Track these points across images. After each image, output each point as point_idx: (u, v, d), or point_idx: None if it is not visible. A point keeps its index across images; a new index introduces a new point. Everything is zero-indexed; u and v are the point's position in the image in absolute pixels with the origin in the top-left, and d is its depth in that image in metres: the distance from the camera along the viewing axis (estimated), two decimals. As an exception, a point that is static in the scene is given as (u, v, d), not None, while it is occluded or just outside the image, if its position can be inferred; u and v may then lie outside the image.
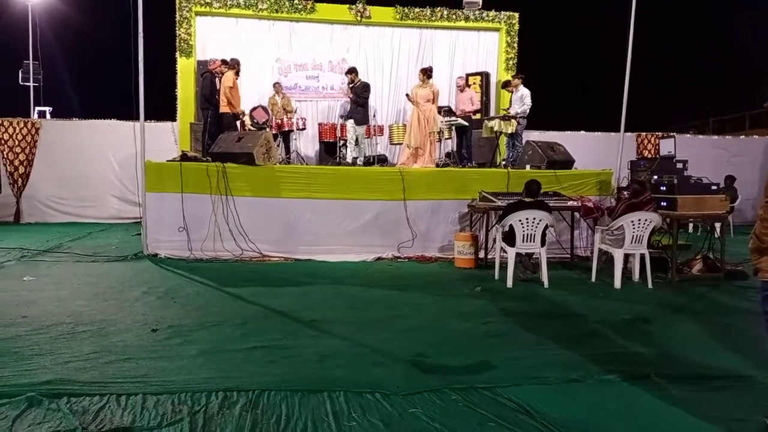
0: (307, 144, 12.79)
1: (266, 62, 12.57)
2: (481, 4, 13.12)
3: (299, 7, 12.27)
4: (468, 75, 12.68)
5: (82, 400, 3.26)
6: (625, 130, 10.53)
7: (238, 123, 10.51)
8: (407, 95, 10.14)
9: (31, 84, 18.61)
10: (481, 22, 13.13)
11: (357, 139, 11.00)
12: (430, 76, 9.98)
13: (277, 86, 11.89)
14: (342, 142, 11.75)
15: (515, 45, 13.22)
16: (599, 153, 11.94)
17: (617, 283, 6.78)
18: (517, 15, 13.23)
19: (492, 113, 12.46)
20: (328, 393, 3.40)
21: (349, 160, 10.99)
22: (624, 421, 3.19)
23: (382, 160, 11.80)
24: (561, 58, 25.08)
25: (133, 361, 3.94)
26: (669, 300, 6.27)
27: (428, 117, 9.81)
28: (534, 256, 7.11)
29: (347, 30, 12.90)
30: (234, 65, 10.15)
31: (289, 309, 5.45)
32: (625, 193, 7.65)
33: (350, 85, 10.90)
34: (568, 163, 9.47)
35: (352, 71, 10.96)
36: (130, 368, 3.79)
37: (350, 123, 10.98)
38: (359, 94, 10.80)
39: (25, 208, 12.63)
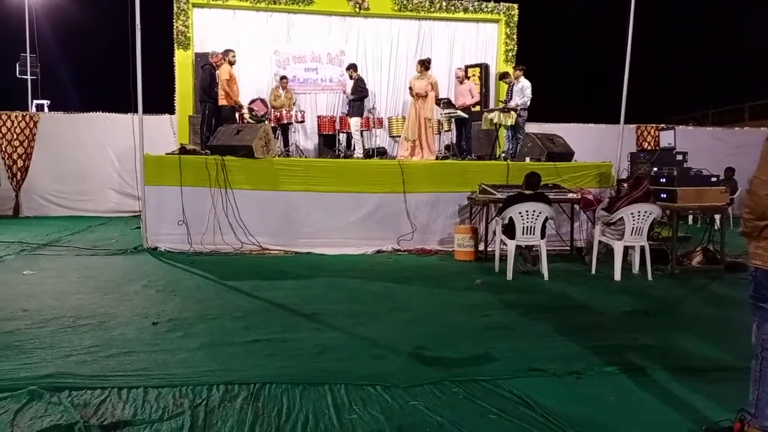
0: (306, 137, 12.75)
1: (264, 54, 12.50)
2: (480, -5, 13.07)
3: (297, -2, 12.21)
4: (467, 67, 12.63)
5: (84, 393, 3.26)
6: (625, 122, 10.50)
7: (237, 115, 10.48)
8: (410, 89, 10.12)
9: (28, 77, 18.54)
10: (480, 14, 13.07)
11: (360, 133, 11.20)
12: (427, 68, 9.99)
13: (284, 81, 11.84)
14: (344, 135, 11.84)
15: (514, 36, 13.16)
16: (599, 145, 11.94)
17: (617, 276, 6.78)
18: (516, 6, 13.16)
19: (491, 105, 12.43)
20: (329, 386, 3.41)
21: (361, 154, 11.01)
22: (624, 412, 3.19)
23: (381, 152, 11.79)
24: (560, 50, 24.98)
25: (133, 354, 3.94)
26: (669, 292, 6.28)
27: (426, 108, 9.81)
28: (534, 249, 7.11)
29: (346, 21, 12.84)
30: (225, 55, 10.09)
31: (289, 302, 5.46)
32: (625, 185, 7.65)
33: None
34: (567, 155, 9.45)
35: (351, 67, 11.13)
36: (131, 361, 3.80)
37: (353, 120, 11.10)
38: (354, 90, 11.09)
39: (24, 202, 12.62)
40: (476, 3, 12.97)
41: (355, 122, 11.16)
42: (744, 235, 2.84)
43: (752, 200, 2.72)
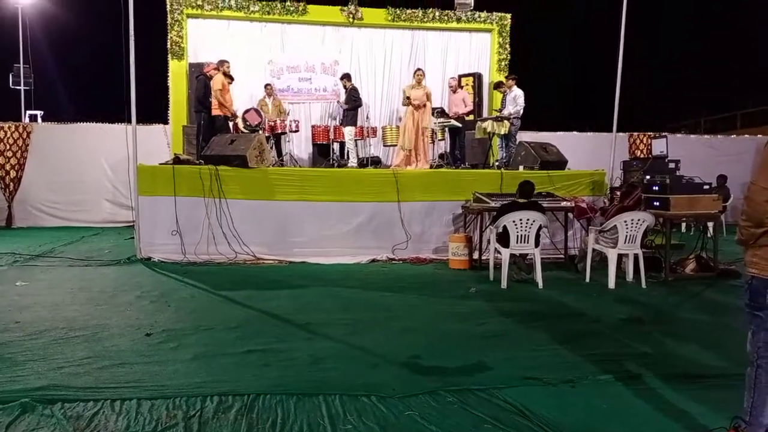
0: (300, 146, 12.76)
1: (259, 64, 12.53)
2: (472, 5, 13.14)
3: (291, 8, 12.27)
4: (460, 76, 12.68)
5: (76, 405, 3.24)
6: (618, 130, 10.56)
7: (231, 125, 10.48)
8: (407, 98, 10.15)
9: (21, 88, 18.48)
10: (473, 23, 13.16)
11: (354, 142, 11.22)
12: (424, 76, 10.08)
13: (268, 88, 11.84)
14: (338, 144, 11.84)
15: (507, 46, 13.25)
16: (592, 153, 11.98)
17: (611, 284, 6.80)
18: (509, 16, 13.26)
19: (485, 114, 12.46)
20: (324, 396, 3.39)
21: (355, 163, 11.00)
22: (619, 421, 3.19)
23: (375, 161, 11.80)
24: (553, 59, 25.15)
25: (127, 365, 3.92)
26: (663, 299, 6.30)
27: (424, 118, 9.87)
28: (528, 257, 7.12)
29: (339, 31, 12.90)
30: (218, 66, 10.10)
31: (283, 312, 5.44)
32: (618, 193, 7.69)
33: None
34: (561, 163, 9.49)
35: (345, 77, 11.19)
36: (124, 373, 3.77)
37: (347, 130, 11.11)
38: (348, 100, 11.12)
39: (17, 213, 12.57)
40: (469, 12, 13.05)
41: (349, 131, 11.18)
42: (740, 243, 2.81)
43: (749, 207, 2.67)
